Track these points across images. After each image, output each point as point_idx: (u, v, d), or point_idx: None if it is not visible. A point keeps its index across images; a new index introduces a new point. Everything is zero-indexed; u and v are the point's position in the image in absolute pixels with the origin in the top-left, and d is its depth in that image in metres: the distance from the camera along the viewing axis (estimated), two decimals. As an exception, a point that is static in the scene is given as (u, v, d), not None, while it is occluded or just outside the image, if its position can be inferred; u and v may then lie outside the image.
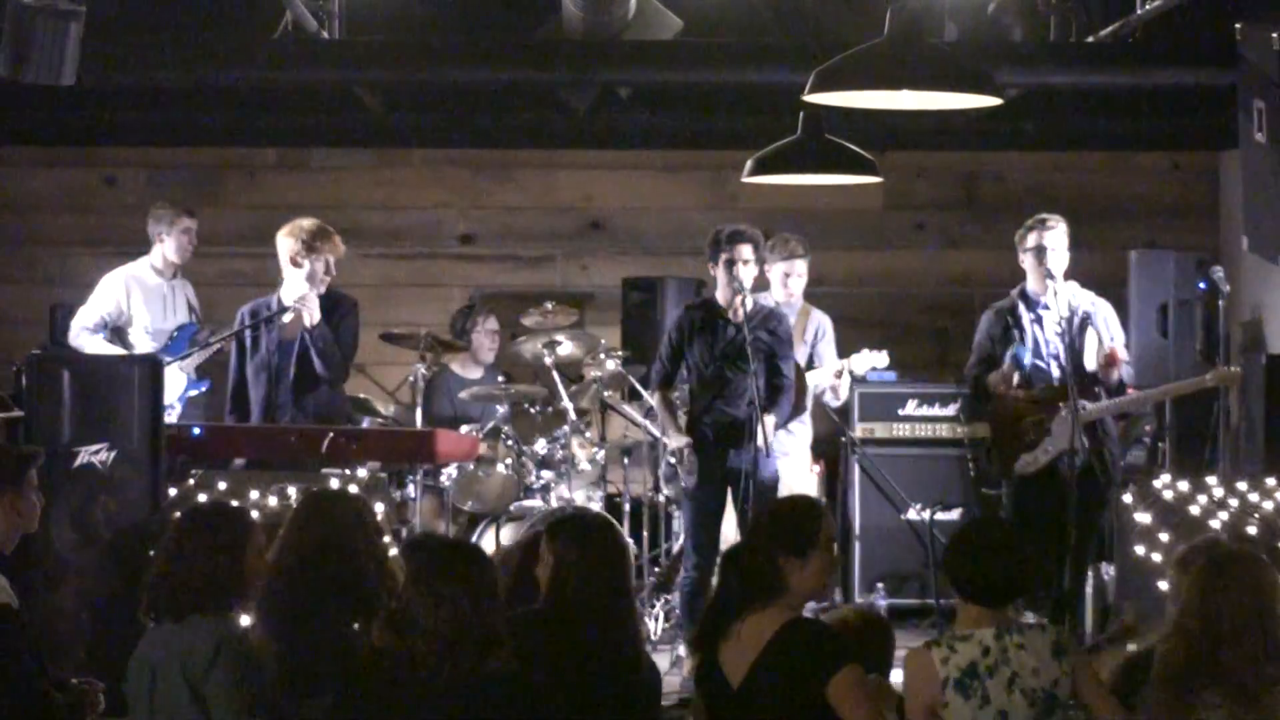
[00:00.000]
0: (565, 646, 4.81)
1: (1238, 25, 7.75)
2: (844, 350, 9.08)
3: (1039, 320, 8.25)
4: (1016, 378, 8.19)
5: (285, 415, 8.23)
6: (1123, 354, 8.23)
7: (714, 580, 8.40)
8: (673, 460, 8.44)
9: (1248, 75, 7.66)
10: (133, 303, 9.09)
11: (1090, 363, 8.14)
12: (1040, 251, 8.17)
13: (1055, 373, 8.19)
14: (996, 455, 8.43)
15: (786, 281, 8.82)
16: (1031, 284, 8.29)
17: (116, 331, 9.04)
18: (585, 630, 4.83)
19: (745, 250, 8.11)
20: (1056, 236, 8.19)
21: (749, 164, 8.29)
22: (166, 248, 9.17)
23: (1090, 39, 8.73)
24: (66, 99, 8.57)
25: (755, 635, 4.69)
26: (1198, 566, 4.68)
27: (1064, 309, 8.13)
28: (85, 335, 8.97)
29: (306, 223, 8.30)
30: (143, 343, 8.99)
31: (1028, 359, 8.20)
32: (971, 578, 4.63)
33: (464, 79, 9.32)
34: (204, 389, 9.16)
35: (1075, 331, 8.18)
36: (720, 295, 8.22)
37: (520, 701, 4.59)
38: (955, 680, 4.50)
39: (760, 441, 7.88)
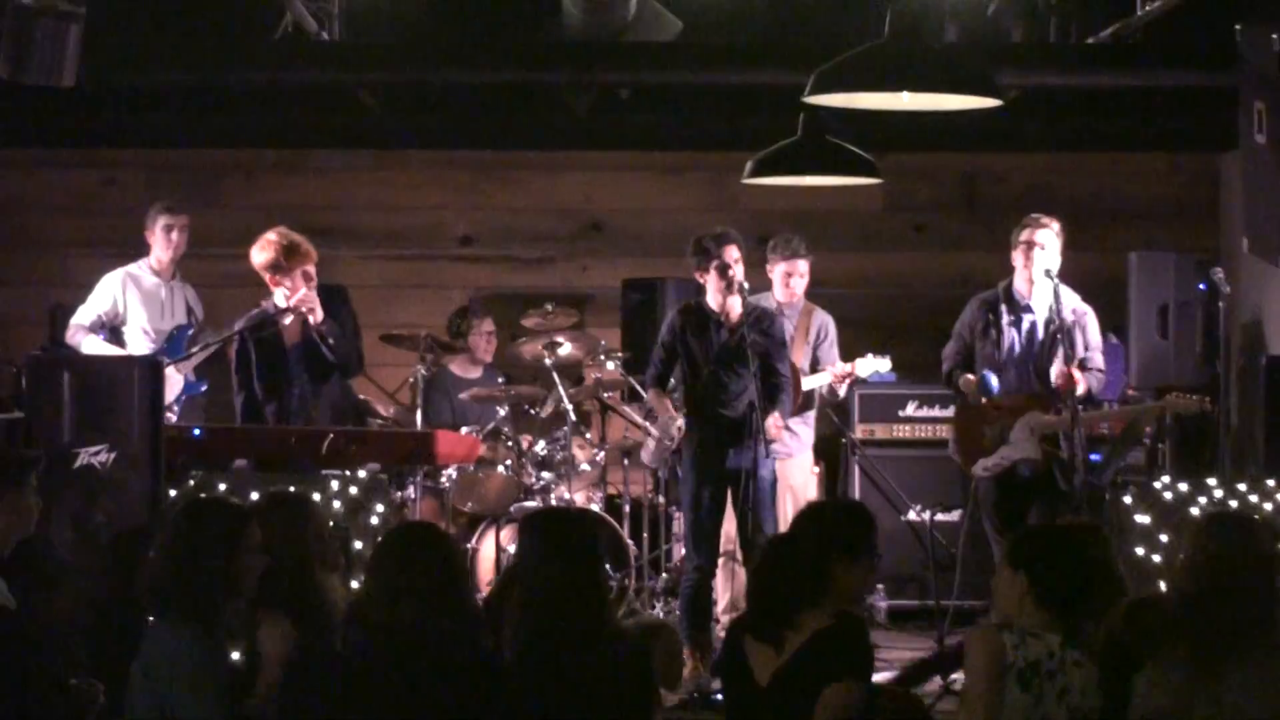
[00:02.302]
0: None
1: (1238, 26, 7.75)
2: (845, 352, 9.07)
3: (1016, 322, 8.26)
4: (983, 400, 8.21)
5: (300, 420, 8.21)
6: (1087, 371, 8.18)
7: (714, 581, 8.52)
8: (669, 440, 8.41)
9: (1248, 76, 7.66)
10: (129, 302, 9.09)
11: (1054, 375, 8.11)
12: (1029, 247, 8.17)
13: (1020, 378, 8.21)
14: (957, 453, 8.46)
15: (789, 281, 8.82)
16: (1018, 282, 8.30)
17: (113, 331, 9.04)
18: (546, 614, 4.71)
19: (734, 251, 8.14)
20: (1046, 235, 8.19)
21: (749, 165, 8.29)
22: (156, 247, 9.19)
23: (1090, 40, 8.73)
24: (66, 100, 8.57)
25: (790, 638, 4.72)
26: (1196, 524, 4.68)
27: (1043, 314, 8.14)
28: (82, 335, 8.97)
29: (273, 238, 8.15)
30: (139, 343, 8.99)
31: (994, 384, 8.20)
32: (1055, 585, 4.58)
33: (464, 80, 9.33)
34: (202, 390, 9.15)
35: (1049, 340, 8.16)
36: (712, 299, 8.22)
37: (501, 689, 4.59)
38: (1020, 670, 4.49)
39: (761, 443, 7.90)
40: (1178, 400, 8.20)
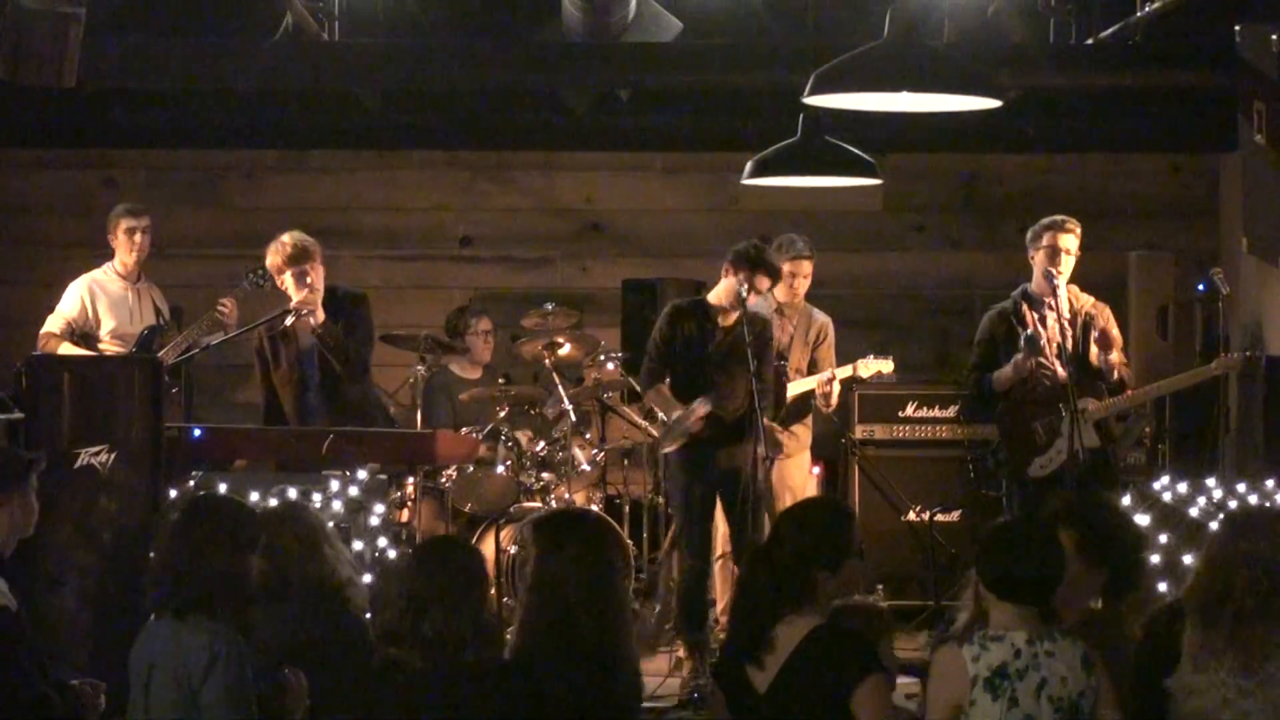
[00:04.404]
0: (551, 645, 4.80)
1: (1237, 27, 7.76)
2: (845, 353, 9.07)
3: (1042, 320, 8.22)
4: (1033, 363, 8.13)
5: (319, 419, 8.27)
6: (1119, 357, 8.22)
7: (711, 580, 8.53)
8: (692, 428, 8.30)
9: (1247, 77, 7.67)
10: (98, 308, 9.06)
11: (1094, 358, 8.11)
12: (1054, 253, 8.09)
13: (1060, 372, 8.17)
14: (1007, 458, 8.38)
15: (792, 282, 8.79)
16: (1035, 284, 8.25)
17: (84, 338, 9.01)
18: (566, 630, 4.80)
19: (767, 283, 8.12)
20: (1072, 240, 8.14)
21: (749, 166, 8.28)
22: (119, 250, 9.17)
23: (1090, 40, 8.74)
24: (66, 101, 8.58)
25: (784, 641, 4.72)
26: (1220, 523, 4.66)
27: (1066, 310, 8.11)
28: (54, 343, 8.93)
29: (285, 240, 8.28)
30: (108, 349, 8.96)
31: (1043, 343, 8.15)
32: (1006, 575, 4.58)
33: (464, 81, 9.33)
34: (173, 391, 9.12)
35: (1078, 332, 8.16)
36: (715, 298, 8.21)
37: (522, 694, 4.61)
38: (985, 679, 4.48)
39: (762, 444, 7.89)
40: (1226, 361, 8.22)
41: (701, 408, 7.99)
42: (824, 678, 4.64)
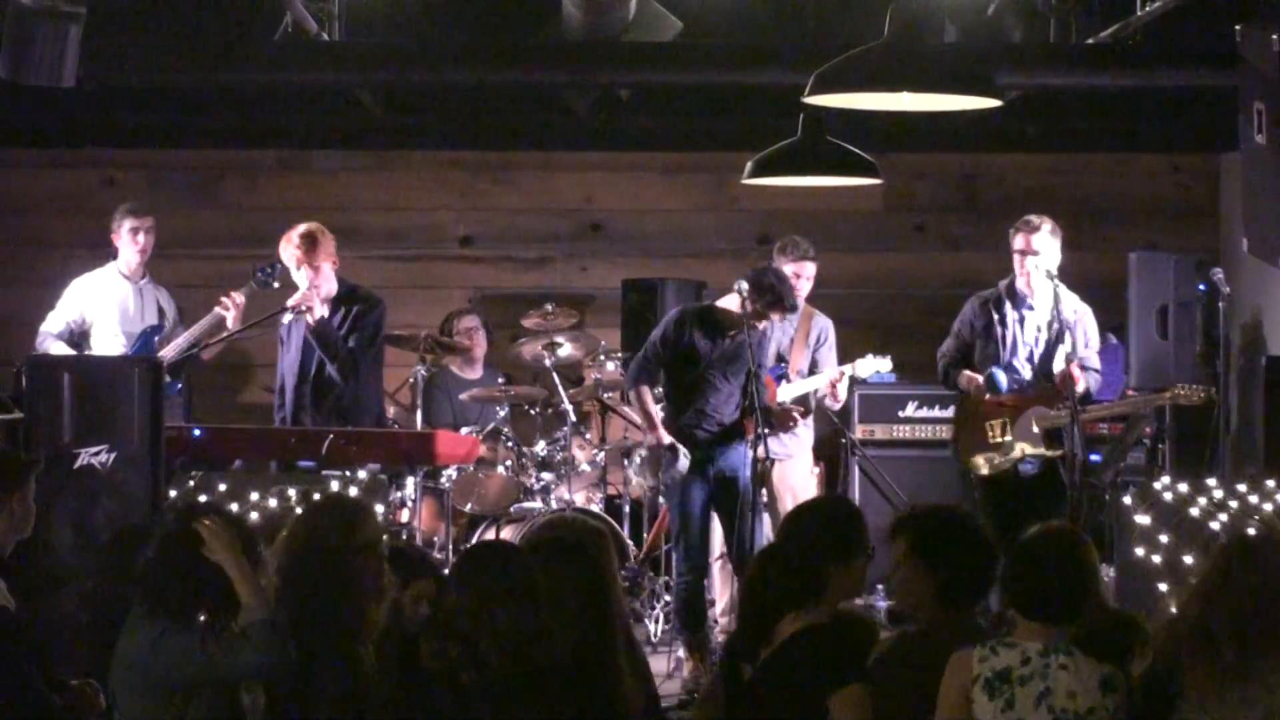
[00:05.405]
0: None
1: (1238, 26, 7.75)
2: (845, 353, 9.07)
3: (1021, 320, 8.28)
4: (988, 397, 8.22)
5: (306, 413, 8.32)
6: (1084, 371, 8.20)
7: (711, 581, 8.53)
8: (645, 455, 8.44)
9: (1248, 77, 7.66)
10: (96, 308, 9.08)
11: (1056, 375, 8.12)
12: (1023, 254, 8.21)
13: (1027, 376, 8.23)
14: (955, 450, 8.47)
15: (794, 283, 8.80)
16: (1019, 282, 8.32)
17: (83, 338, 9.01)
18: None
19: (779, 318, 8.22)
20: (1040, 238, 8.19)
21: (749, 166, 8.28)
22: (123, 250, 9.20)
23: (1090, 40, 8.73)
24: (66, 100, 8.57)
25: (779, 636, 4.71)
26: (1217, 548, 4.64)
27: (1045, 314, 8.16)
28: (51, 342, 8.96)
29: (296, 232, 8.45)
30: (107, 348, 8.98)
31: (1003, 382, 8.19)
32: (1032, 596, 4.55)
33: (464, 80, 9.33)
34: (175, 391, 9.14)
35: (1053, 336, 8.18)
36: (723, 309, 8.22)
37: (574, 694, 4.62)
38: (985, 679, 4.49)
39: (755, 447, 7.92)
40: (1182, 392, 8.20)
41: (684, 460, 8.12)
42: (802, 677, 4.62)
